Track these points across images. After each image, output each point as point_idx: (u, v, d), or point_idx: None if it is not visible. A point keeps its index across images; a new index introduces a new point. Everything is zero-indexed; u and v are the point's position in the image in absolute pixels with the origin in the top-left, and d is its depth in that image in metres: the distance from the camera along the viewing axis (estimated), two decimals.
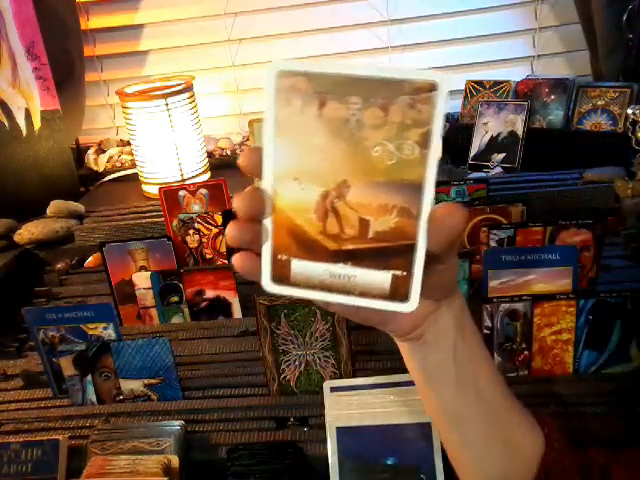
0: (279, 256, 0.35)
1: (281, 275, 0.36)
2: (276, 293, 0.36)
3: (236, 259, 0.36)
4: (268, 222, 0.35)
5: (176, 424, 0.71)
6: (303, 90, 0.33)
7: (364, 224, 0.34)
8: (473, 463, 0.48)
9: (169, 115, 1.26)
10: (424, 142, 0.32)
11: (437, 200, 0.34)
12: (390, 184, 0.33)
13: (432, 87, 0.32)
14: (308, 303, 0.72)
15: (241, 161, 0.35)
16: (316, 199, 0.34)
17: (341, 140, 0.33)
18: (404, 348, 0.45)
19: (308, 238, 0.35)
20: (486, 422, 0.46)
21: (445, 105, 0.32)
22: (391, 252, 0.34)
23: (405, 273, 0.34)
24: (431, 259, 0.35)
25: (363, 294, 0.35)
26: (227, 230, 0.35)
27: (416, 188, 0.33)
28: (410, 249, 0.34)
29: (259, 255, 0.36)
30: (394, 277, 0.34)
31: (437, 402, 0.46)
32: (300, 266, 0.35)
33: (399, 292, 0.34)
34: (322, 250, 0.35)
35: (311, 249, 0.35)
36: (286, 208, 0.35)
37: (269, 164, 0.34)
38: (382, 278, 0.34)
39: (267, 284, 0.36)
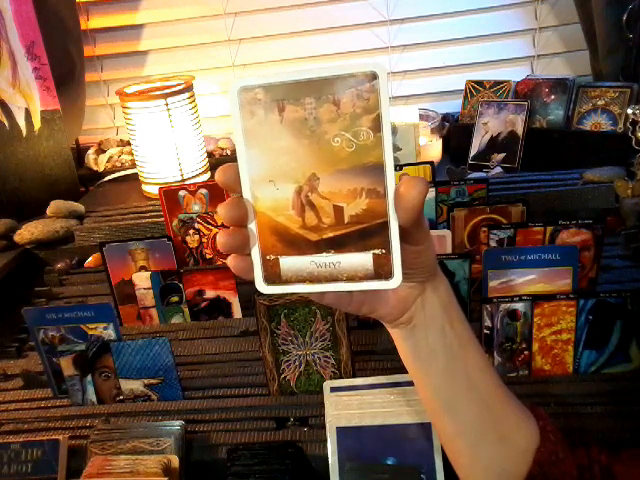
0: (268, 257, 0.38)
1: (272, 275, 0.39)
2: (271, 293, 0.39)
3: (231, 261, 0.39)
4: (253, 226, 0.38)
5: (176, 424, 0.71)
6: (263, 100, 0.36)
7: (338, 211, 0.37)
8: (468, 454, 0.49)
9: (169, 115, 1.26)
10: (376, 126, 0.35)
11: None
12: (354, 169, 0.36)
13: (373, 76, 0.35)
14: (308, 303, 0.73)
15: (218, 177, 0.38)
16: (292, 196, 0.37)
17: (304, 138, 0.36)
18: (396, 335, 0.46)
19: (291, 234, 0.38)
20: (478, 410, 0.47)
21: (387, 89, 0.35)
22: (368, 233, 0.37)
23: (384, 251, 0.37)
24: (406, 241, 0.38)
25: (350, 278, 0.38)
26: (217, 238, 0.38)
27: (378, 169, 0.36)
28: (384, 227, 0.37)
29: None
30: (375, 256, 0.37)
31: (429, 389, 0.47)
32: (288, 263, 0.38)
33: (383, 270, 0.37)
34: (305, 243, 0.38)
35: (295, 244, 0.38)
36: (267, 210, 0.38)
37: (245, 172, 0.38)
38: (364, 259, 0.37)
39: (261, 286, 0.39)
